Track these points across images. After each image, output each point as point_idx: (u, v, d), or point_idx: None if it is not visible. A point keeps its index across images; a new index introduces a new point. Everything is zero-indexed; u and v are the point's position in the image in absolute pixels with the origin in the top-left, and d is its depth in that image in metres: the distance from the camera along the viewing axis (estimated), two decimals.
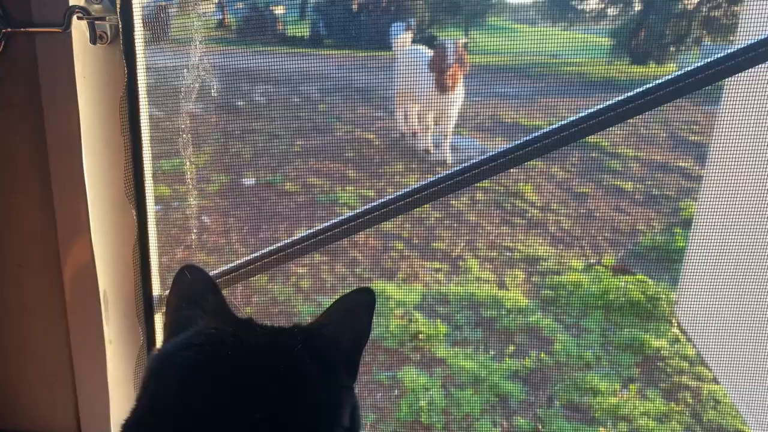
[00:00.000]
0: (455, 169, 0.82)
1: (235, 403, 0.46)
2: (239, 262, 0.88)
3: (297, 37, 3.63)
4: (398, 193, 0.84)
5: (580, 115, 0.76)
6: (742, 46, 0.69)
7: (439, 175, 0.83)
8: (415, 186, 0.83)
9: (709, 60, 0.66)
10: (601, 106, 0.74)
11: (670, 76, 0.68)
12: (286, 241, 0.85)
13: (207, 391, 0.47)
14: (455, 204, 2.93)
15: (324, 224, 0.85)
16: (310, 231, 0.84)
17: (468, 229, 2.82)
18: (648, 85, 0.69)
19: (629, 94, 0.70)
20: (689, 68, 0.67)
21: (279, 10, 3.33)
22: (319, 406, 0.49)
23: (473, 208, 2.97)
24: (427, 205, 2.92)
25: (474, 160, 0.82)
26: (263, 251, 0.86)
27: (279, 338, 0.53)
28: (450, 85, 3.25)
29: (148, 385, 0.50)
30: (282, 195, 2.84)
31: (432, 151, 3.40)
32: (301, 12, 3.91)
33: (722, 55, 0.66)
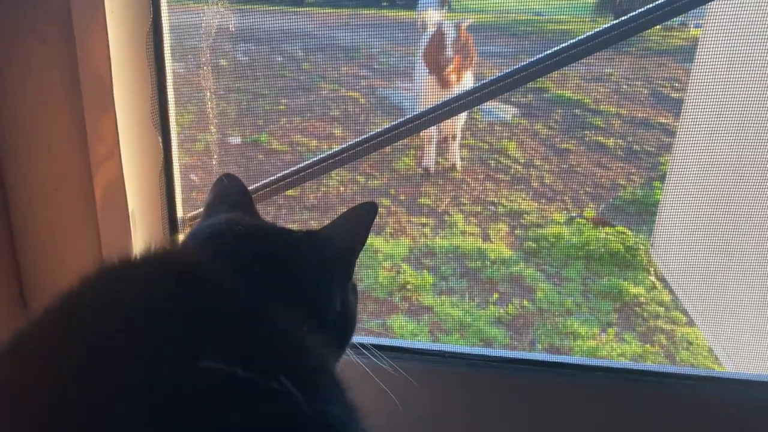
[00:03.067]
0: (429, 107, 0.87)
1: (238, 262, 0.53)
2: None
3: None
4: (372, 133, 0.90)
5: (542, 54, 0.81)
6: None
7: (410, 115, 0.89)
8: (386, 126, 0.89)
9: None
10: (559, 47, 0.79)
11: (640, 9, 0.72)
12: (278, 174, 0.90)
13: (216, 252, 0.55)
14: (441, 161, 2.96)
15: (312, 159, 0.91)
16: (299, 165, 0.90)
17: (453, 186, 2.87)
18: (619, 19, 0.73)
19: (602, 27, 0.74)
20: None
21: None
22: (310, 280, 0.57)
23: (458, 164, 3.01)
24: (413, 163, 2.96)
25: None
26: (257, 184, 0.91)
27: (284, 229, 0.61)
28: (453, 80, 2.66)
29: None
30: (269, 153, 2.85)
31: (432, 170, 2.81)
32: None
33: None
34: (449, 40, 2.68)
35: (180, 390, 0.37)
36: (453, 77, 2.69)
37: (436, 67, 2.68)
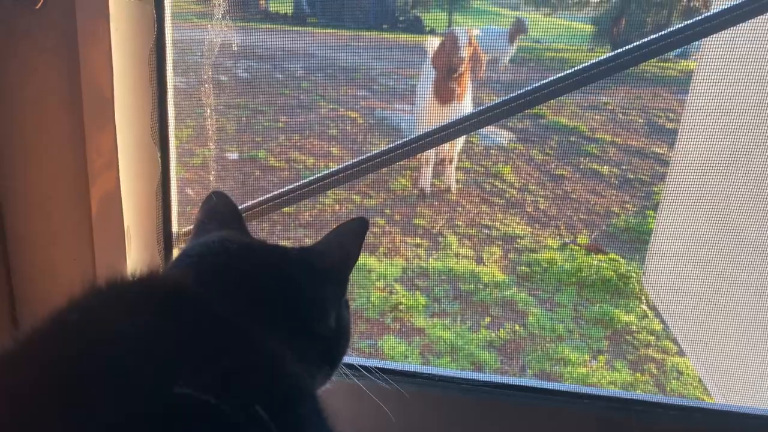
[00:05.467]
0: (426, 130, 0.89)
1: (230, 282, 0.53)
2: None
3: (280, 14, 3.62)
4: (368, 154, 0.91)
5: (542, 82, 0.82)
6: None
7: (409, 138, 0.90)
8: (384, 148, 0.90)
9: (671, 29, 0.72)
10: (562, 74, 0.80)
11: (638, 43, 0.74)
12: (275, 192, 0.91)
13: (207, 272, 0.54)
14: (437, 183, 2.98)
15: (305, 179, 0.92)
16: (296, 183, 0.91)
17: (448, 208, 2.88)
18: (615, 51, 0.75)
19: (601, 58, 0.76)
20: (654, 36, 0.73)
21: None
22: (306, 297, 0.56)
23: (454, 187, 3.02)
24: (409, 184, 2.97)
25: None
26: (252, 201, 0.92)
27: (277, 246, 0.61)
28: (457, 93, 2.66)
29: None
30: (266, 170, 2.86)
31: (428, 192, 2.82)
32: None
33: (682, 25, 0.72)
34: (462, 42, 2.69)
35: (149, 416, 0.37)
36: (458, 90, 2.73)
37: (447, 69, 2.70)
